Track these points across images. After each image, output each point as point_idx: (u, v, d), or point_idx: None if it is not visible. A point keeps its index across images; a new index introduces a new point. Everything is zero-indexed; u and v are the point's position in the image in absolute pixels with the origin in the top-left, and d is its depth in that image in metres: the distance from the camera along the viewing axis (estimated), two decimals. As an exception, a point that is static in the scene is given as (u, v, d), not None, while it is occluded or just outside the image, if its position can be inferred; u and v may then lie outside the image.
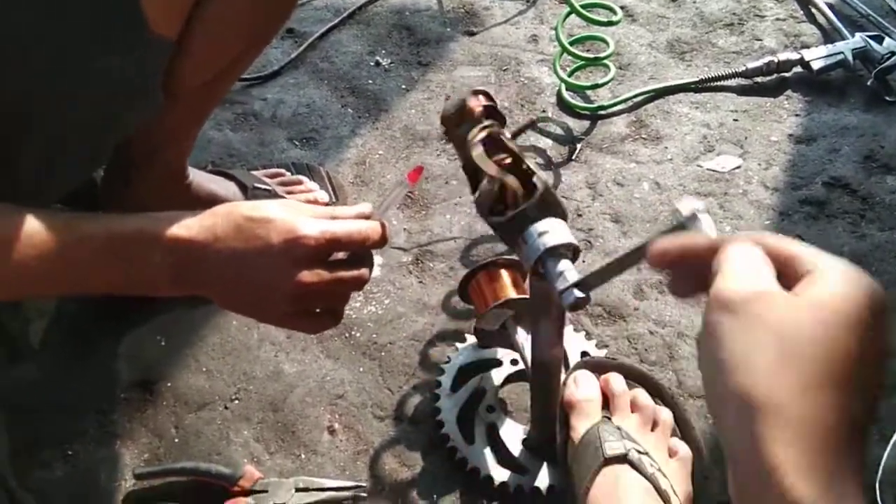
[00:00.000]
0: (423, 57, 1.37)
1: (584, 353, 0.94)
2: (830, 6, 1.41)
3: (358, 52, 1.38)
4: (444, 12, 1.46)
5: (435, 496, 0.85)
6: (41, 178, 0.75)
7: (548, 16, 1.44)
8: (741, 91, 1.30)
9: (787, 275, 0.38)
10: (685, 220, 0.44)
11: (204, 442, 0.90)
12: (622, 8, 1.28)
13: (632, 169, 1.18)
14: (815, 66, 1.28)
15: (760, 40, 1.39)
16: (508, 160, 0.68)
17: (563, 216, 0.65)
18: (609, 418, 0.79)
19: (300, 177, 1.11)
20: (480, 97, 0.71)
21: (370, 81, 1.33)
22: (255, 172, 1.09)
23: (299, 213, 0.65)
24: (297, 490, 0.85)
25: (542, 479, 0.84)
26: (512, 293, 0.87)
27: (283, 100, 1.29)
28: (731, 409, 0.35)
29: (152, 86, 0.75)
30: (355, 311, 1.01)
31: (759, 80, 1.31)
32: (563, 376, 0.82)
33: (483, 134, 0.69)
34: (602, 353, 0.95)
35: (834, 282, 0.37)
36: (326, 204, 1.08)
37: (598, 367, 0.85)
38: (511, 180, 0.65)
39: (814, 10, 1.43)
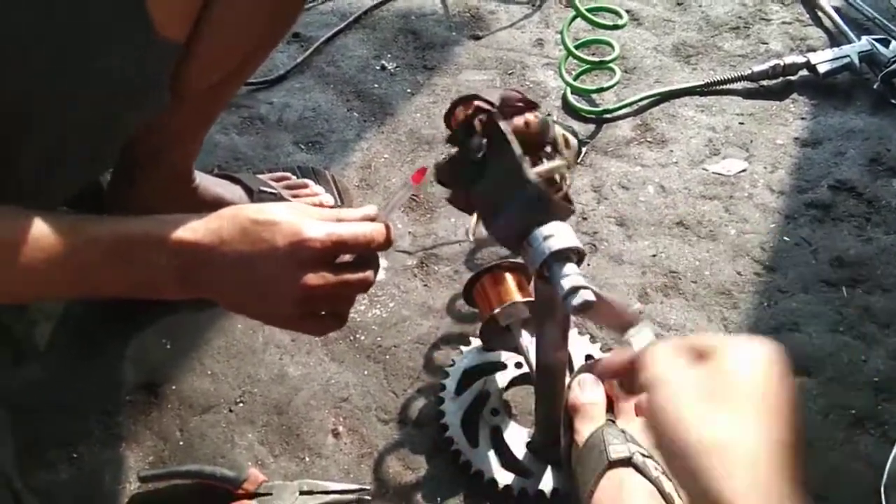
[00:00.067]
0: (429, 61, 1.37)
1: (588, 357, 0.93)
2: (836, 9, 1.41)
3: (364, 57, 1.38)
4: (449, 16, 1.46)
5: (439, 499, 0.85)
6: (42, 179, 0.75)
7: (553, 20, 1.44)
8: (747, 94, 1.30)
9: (704, 359, 0.47)
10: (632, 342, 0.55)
11: (208, 445, 0.90)
12: (627, 12, 1.28)
13: (637, 172, 1.18)
14: (821, 69, 1.28)
15: (766, 44, 1.38)
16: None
17: (565, 212, 0.64)
18: (613, 421, 0.79)
19: (306, 180, 1.11)
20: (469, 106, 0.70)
21: (376, 85, 1.33)
22: (260, 176, 1.10)
23: (304, 216, 0.65)
24: (302, 493, 0.85)
25: (547, 483, 0.84)
26: (517, 296, 0.87)
27: (288, 104, 1.30)
28: (685, 459, 0.42)
29: (155, 86, 0.75)
30: (360, 315, 1.01)
31: (764, 83, 1.30)
32: (567, 380, 0.82)
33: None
34: (607, 356, 0.95)
35: (734, 350, 0.46)
36: (332, 207, 1.08)
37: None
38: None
39: (820, 14, 1.42)
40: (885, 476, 0.81)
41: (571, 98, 1.28)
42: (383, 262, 1.04)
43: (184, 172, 0.96)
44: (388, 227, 0.68)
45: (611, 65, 1.26)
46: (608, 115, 1.26)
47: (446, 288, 1.04)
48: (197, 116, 0.90)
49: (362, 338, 0.99)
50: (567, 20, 1.23)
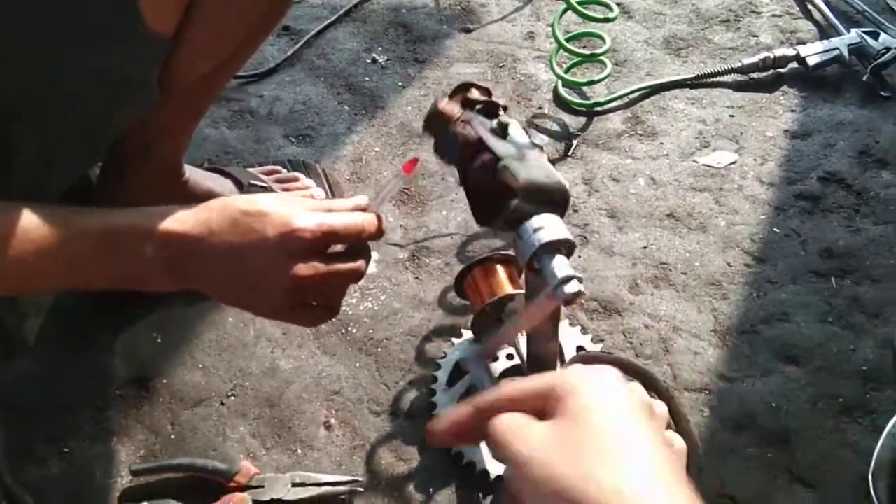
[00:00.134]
0: (420, 54, 1.37)
1: (579, 348, 0.94)
2: (826, 2, 1.41)
3: (354, 50, 1.38)
4: (440, 9, 1.46)
5: (431, 490, 0.85)
6: (41, 178, 0.75)
7: (544, 12, 1.45)
8: (737, 87, 1.30)
9: (549, 407, 0.41)
10: None
11: (200, 438, 0.90)
12: (618, 4, 1.28)
13: (628, 165, 1.19)
14: (811, 61, 1.28)
15: (756, 36, 1.39)
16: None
17: (560, 201, 0.64)
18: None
19: (296, 174, 1.11)
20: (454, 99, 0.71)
21: (366, 78, 1.33)
22: (251, 169, 1.09)
23: (295, 207, 0.65)
24: (294, 485, 0.85)
25: (538, 474, 0.84)
26: (508, 288, 0.87)
27: (279, 97, 1.29)
28: None
29: (148, 82, 0.75)
30: (352, 308, 1.01)
31: (754, 75, 1.31)
32: (559, 370, 0.82)
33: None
34: (598, 347, 0.95)
35: (575, 394, 0.40)
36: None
37: (593, 362, 0.85)
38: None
39: (810, 6, 1.43)
40: (872, 464, 0.81)
41: (562, 91, 1.28)
42: (374, 255, 1.04)
43: (173, 166, 0.96)
44: (379, 217, 0.68)
45: (602, 58, 1.26)
46: (599, 108, 1.27)
47: (438, 280, 1.04)
48: (186, 109, 0.90)
49: (354, 330, 1.00)
50: (558, 13, 1.23)
